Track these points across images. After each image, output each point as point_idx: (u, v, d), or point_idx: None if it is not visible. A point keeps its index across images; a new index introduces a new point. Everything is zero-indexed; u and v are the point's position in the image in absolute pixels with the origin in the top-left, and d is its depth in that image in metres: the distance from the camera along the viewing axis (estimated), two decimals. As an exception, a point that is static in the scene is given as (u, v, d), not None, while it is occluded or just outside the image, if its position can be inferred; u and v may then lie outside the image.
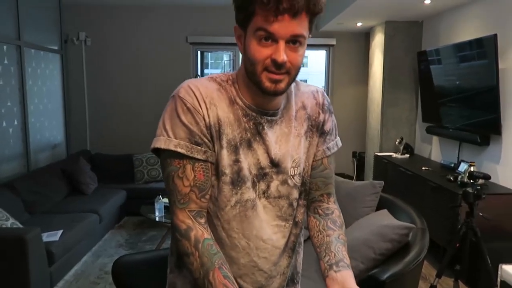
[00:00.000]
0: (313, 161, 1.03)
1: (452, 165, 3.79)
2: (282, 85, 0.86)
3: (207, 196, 0.91)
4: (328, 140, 1.04)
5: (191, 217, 0.89)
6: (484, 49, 3.28)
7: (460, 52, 3.65)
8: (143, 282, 1.47)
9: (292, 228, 1.02)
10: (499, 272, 2.63)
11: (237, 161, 0.91)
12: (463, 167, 3.45)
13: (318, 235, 1.01)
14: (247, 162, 0.92)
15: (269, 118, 0.94)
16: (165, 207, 3.38)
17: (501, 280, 2.62)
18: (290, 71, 0.86)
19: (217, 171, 0.91)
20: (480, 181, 2.77)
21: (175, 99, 0.88)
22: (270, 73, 0.84)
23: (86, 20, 5.01)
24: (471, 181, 2.68)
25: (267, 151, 0.94)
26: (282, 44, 0.82)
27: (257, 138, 0.93)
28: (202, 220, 0.90)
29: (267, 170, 0.95)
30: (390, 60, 4.65)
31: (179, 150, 0.86)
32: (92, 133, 5.18)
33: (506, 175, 3.26)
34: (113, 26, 5.05)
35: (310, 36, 0.88)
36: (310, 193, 1.06)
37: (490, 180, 3.04)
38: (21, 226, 2.85)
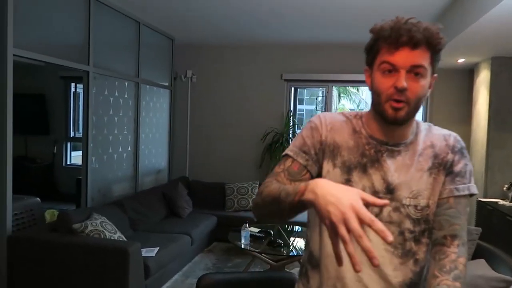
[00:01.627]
0: (438, 199, 1.03)
1: None
2: (402, 113, 0.95)
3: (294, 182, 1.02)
4: (458, 181, 1.03)
5: (275, 179, 1.02)
6: None
7: None
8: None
9: (408, 262, 1.02)
10: None
11: (348, 180, 1.02)
12: None
13: (425, 285, 1.01)
14: (361, 184, 1.02)
15: (389, 147, 1.03)
16: (251, 235, 3.49)
17: None
18: (410, 101, 0.94)
19: None
20: None
21: (308, 123, 1.09)
22: (392, 102, 0.95)
23: (193, 59, 5.58)
24: None
25: (384, 177, 1.02)
26: (402, 72, 0.93)
27: (375, 165, 1.02)
28: None
29: (381, 195, 1.01)
30: (496, 98, 4.30)
31: (288, 153, 1.06)
32: (191, 162, 5.63)
33: None
34: (216, 64, 5.54)
35: (435, 75, 0.98)
36: (433, 233, 1.04)
37: None
38: (125, 239, 3.20)
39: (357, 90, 12.62)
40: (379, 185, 1.01)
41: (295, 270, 2.90)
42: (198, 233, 4.11)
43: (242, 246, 3.40)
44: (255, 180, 5.21)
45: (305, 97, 12.56)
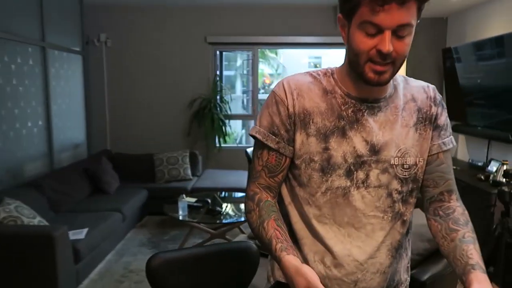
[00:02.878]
0: (428, 156, 0.99)
1: (481, 164, 3.69)
2: (386, 76, 0.86)
3: (276, 179, 1.00)
4: (443, 135, 1.00)
5: (259, 187, 1.01)
6: (515, 44, 3.18)
7: (484, 50, 3.55)
8: (180, 279, 1.44)
9: (396, 224, 0.98)
10: (536, 275, 2.54)
11: (326, 148, 0.93)
12: (493, 165, 3.35)
13: (444, 242, 0.95)
14: (341, 150, 0.93)
15: (370, 104, 0.94)
16: (189, 206, 3.35)
17: (539, 283, 2.52)
18: (396, 62, 0.85)
19: (306, 158, 0.95)
20: (515, 180, 2.67)
21: (271, 93, 0.99)
22: (374, 64, 0.84)
23: (106, 22, 5.04)
24: (506, 179, 2.59)
25: (366, 139, 0.93)
26: (388, 34, 0.81)
27: (355, 126, 0.93)
28: (271, 193, 1.01)
29: (365, 158, 0.93)
30: (413, 57, 4.56)
31: (257, 136, 0.98)
32: (112, 133, 5.21)
33: (540, 174, 3.15)
34: (133, 27, 5.07)
35: (418, 21, 0.86)
36: (428, 192, 1.01)
37: (523, 179, 2.94)
38: (47, 224, 2.86)
39: (276, 54, 12.70)
40: (361, 147, 0.93)
41: (240, 237, 2.85)
42: (128, 208, 3.85)
43: (180, 218, 3.25)
44: (184, 148, 5.01)
45: (224, 63, 12.29)
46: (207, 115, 4.96)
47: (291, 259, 0.86)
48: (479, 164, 3.72)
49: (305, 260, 0.99)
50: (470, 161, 3.93)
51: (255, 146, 1.02)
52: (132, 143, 5.12)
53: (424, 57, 4.57)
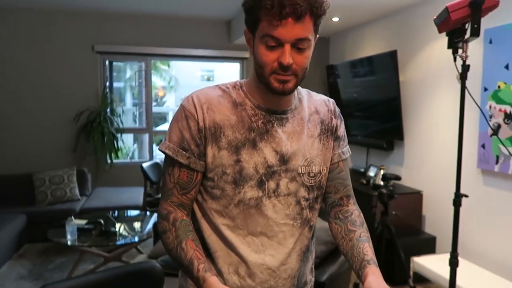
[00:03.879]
0: (330, 164, 1.05)
1: (362, 169, 4.10)
2: (289, 85, 0.91)
3: (189, 195, 0.98)
4: (342, 145, 1.08)
5: (173, 206, 0.98)
6: (385, 63, 3.64)
7: (362, 67, 4.01)
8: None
9: (304, 230, 1.02)
10: (411, 264, 2.89)
11: (238, 161, 0.94)
12: (372, 171, 3.75)
13: (343, 242, 1.02)
14: (252, 161, 0.95)
15: (279, 116, 0.98)
16: (78, 229, 3.05)
17: (413, 272, 2.88)
18: (297, 73, 0.90)
19: (218, 172, 0.95)
20: (391, 182, 3.02)
21: (180, 107, 0.97)
22: (278, 75, 0.89)
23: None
24: (384, 182, 2.92)
25: (276, 149, 0.96)
26: (287, 47, 0.86)
27: (266, 137, 0.96)
28: (184, 211, 0.99)
29: (276, 168, 0.96)
30: (301, 73, 4.90)
31: (167, 151, 0.96)
32: (-21, 152, 4.50)
33: (409, 176, 3.62)
34: (12, 30, 4.49)
35: (317, 36, 0.93)
36: (329, 198, 1.08)
37: (396, 181, 3.35)
38: None
39: (168, 66, 12.49)
40: (271, 158, 0.96)
41: (140, 258, 2.68)
42: (2, 238, 3.34)
43: (69, 243, 2.93)
44: (71, 166, 4.57)
45: (113, 74, 11.60)
46: (96, 129, 4.61)
47: (214, 281, 0.87)
48: (361, 169, 4.13)
49: (219, 273, 0.99)
50: (352, 167, 4.34)
51: (165, 163, 0.99)
52: (6, 161, 4.49)
53: (311, 72, 4.89)
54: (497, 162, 2.71)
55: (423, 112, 3.44)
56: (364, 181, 3.60)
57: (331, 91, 4.71)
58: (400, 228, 3.18)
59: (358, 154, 4.43)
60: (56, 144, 4.69)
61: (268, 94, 0.94)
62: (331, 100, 1.11)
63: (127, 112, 10.20)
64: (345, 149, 1.09)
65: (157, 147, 1.06)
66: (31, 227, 3.82)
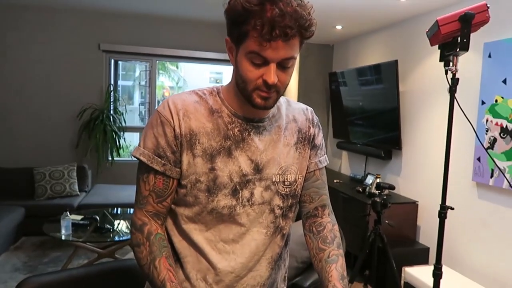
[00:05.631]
0: (306, 173, 1.05)
1: (360, 177, 4.10)
2: (271, 101, 0.91)
3: (165, 203, 0.97)
4: (319, 154, 1.08)
5: (148, 216, 0.96)
6: (386, 73, 3.64)
7: (364, 76, 4.01)
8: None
9: (276, 238, 1.02)
10: (402, 274, 2.88)
11: (212, 169, 0.93)
12: (369, 179, 3.75)
13: (315, 261, 1.02)
14: (227, 170, 0.94)
15: (256, 124, 0.97)
16: (73, 224, 3.09)
17: (404, 282, 2.87)
18: (279, 90, 0.90)
19: (192, 179, 0.94)
20: (385, 191, 3.03)
21: (155, 113, 0.95)
22: (261, 91, 0.89)
23: (-20, 17, 4.47)
24: (378, 191, 2.92)
25: (251, 157, 0.96)
26: (273, 66, 0.85)
27: (241, 145, 0.95)
28: (159, 221, 0.97)
29: (250, 177, 0.96)
30: (305, 79, 4.92)
31: (141, 158, 0.94)
32: (-17, 144, 4.57)
33: (405, 186, 3.62)
34: (18, 27, 4.57)
35: (305, 42, 0.92)
36: (304, 207, 1.07)
37: (392, 191, 3.35)
38: None
39: (177, 67, 12.56)
40: (246, 166, 0.95)
41: (131, 255, 2.71)
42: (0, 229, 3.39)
43: (63, 238, 2.97)
44: (71, 162, 4.62)
45: (121, 72, 11.71)
46: (99, 126, 4.66)
47: None
48: (359, 177, 4.14)
49: (187, 278, 0.98)
50: (351, 175, 4.34)
51: (139, 169, 0.97)
52: (8, 155, 4.56)
53: (313, 79, 4.95)
54: (492, 175, 2.70)
55: (421, 123, 3.44)
56: (360, 189, 3.60)
57: (333, 98, 4.72)
58: (394, 238, 3.18)
59: (357, 162, 4.43)
60: (58, 139, 4.75)
61: (247, 104, 0.93)
62: (310, 109, 1.11)
63: (134, 110, 10.28)
64: (323, 158, 1.09)
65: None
66: (29, 220, 3.88)
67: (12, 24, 4.55)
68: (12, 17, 4.54)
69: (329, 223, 1.06)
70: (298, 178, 1.03)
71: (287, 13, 0.81)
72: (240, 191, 0.95)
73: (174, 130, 0.92)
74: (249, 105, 0.92)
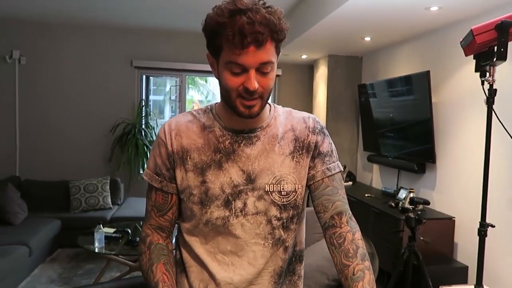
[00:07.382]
0: (313, 182, 1.02)
1: (392, 191, 3.99)
2: (255, 109, 0.92)
3: (166, 217, 1.04)
4: (327, 161, 1.03)
5: (151, 229, 1.06)
6: (417, 84, 3.55)
7: (394, 87, 3.93)
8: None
9: (278, 251, 1.01)
10: (439, 294, 2.75)
11: (204, 182, 0.98)
12: (402, 193, 3.64)
13: (341, 278, 0.95)
14: (218, 182, 0.97)
15: (246, 135, 0.99)
16: (106, 237, 3.15)
17: (441, 302, 2.74)
18: (263, 95, 0.92)
19: (186, 193, 0.99)
20: (420, 206, 2.92)
21: (157, 136, 1.05)
22: (243, 100, 0.91)
23: (21, 38, 4.72)
24: (412, 206, 2.82)
25: (243, 168, 0.98)
26: (252, 72, 0.88)
27: (231, 157, 0.98)
28: (163, 234, 1.06)
29: (242, 187, 0.98)
30: (333, 92, 4.88)
31: (145, 178, 1.04)
32: (22, 158, 4.78)
33: (440, 200, 3.48)
34: (52, 45, 4.80)
35: (279, 54, 0.94)
36: (321, 219, 1.01)
37: (427, 206, 3.23)
38: None
39: (206, 81, 12.78)
40: (237, 177, 0.97)
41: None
42: (37, 241, 3.51)
43: (96, 250, 3.04)
44: (105, 175, 4.75)
45: (152, 87, 12.00)
46: (131, 140, 4.79)
47: None
48: (391, 191, 4.02)
49: (191, 287, 1.04)
50: (383, 189, 4.22)
51: (147, 188, 1.06)
52: (45, 169, 4.74)
53: (341, 91, 4.90)
54: (534, 190, 2.56)
55: (456, 135, 3.32)
56: (393, 204, 3.50)
57: (363, 110, 4.65)
58: (429, 255, 3.05)
59: (389, 175, 4.32)
60: (93, 153, 4.90)
61: (235, 115, 0.95)
62: (312, 116, 1.08)
63: (165, 124, 10.50)
64: (332, 165, 1.03)
65: None
66: (64, 233, 3.99)
67: (46, 41, 4.77)
68: (46, 35, 4.77)
69: (349, 232, 0.97)
70: (297, 188, 1.01)
71: (256, 20, 0.84)
72: (233, 202, 0.98)
73: (167, 149, 1.00)
74: (236, 115, 0.94)
